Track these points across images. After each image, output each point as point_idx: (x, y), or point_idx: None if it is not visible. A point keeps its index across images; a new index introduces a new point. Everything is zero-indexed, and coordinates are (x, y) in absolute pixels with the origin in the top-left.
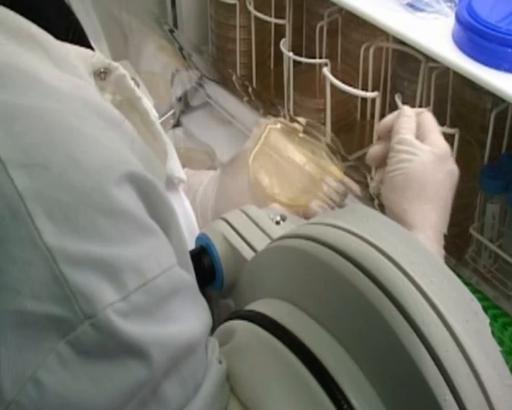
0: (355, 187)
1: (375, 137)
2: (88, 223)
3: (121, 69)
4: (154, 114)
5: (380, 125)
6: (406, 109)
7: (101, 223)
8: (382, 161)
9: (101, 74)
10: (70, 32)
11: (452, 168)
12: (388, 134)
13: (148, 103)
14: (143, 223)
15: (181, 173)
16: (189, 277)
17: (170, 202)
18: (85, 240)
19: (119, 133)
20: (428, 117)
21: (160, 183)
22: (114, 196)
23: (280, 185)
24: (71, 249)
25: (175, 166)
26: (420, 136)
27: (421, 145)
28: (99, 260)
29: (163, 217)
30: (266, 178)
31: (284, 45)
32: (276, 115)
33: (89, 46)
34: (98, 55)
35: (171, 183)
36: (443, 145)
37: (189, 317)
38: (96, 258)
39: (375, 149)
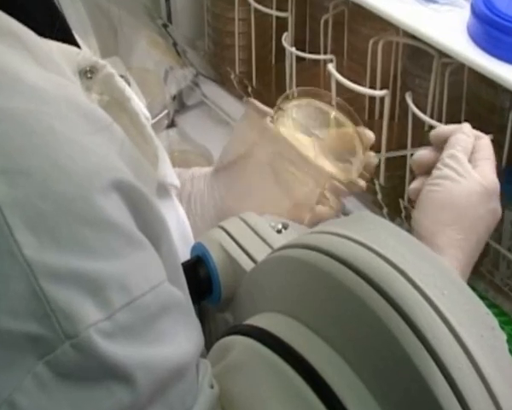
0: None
1: (383, 140)
2: (71, 235)
3: (109, 68)
4: (145, 114)
5: (436, 132)
6: (466, 127)
7: (85, 235)
8: (426, 169)
9: (88, 73)
10: (54, 27)
11: (496, 208)
12: (441, 144)
13: (138, 104)
14: (131, 235)
15: (174, 179)
16: (180, 294)
17: (160, 213)
18: (68, 253)
19: (107, 137)
20: (487, 144)
21: (150, 190)
22: (100, 206)
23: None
24: (52, 263)
25: (167, 171)
26: (472, 161)
27: (472, 171)
28: (82, 275)
29: (152, 228)
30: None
31: (286, 40)
32: None
33: (74, 43)
34: (84, 53)
35: (164, 189)
36: (493, 180)
37: (180, 338)
38: (79, 273)
39: (421, 154)
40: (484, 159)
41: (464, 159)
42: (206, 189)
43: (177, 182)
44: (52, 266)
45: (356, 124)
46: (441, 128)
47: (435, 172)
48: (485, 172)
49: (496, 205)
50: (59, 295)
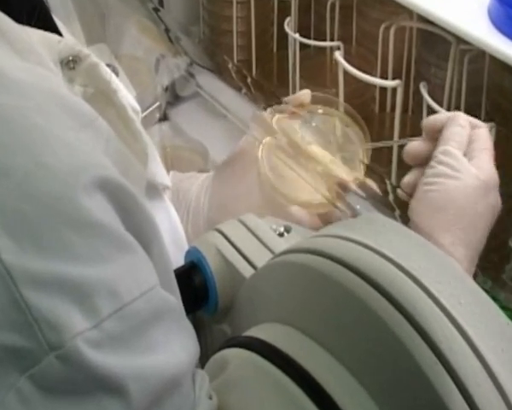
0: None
1: (395, 134)
2: (55, 238)
3: (93, 57)
4: (134, 107)
5: (428, 121)
6: (461, 117)
7: (70, 238)
8: (420, 161)
9: (70, 63)
10: (33, 14)
11: (495, 202)
12: (435, 134)
13: (126, 97)
14: (119, 237)
15: (164, 179)
16: (172, 299)
17: (150, 214)
18: (51, 258)
19: (91, 132)
20: (484, 133)
21: (139, 190)
22: (85, 206)
23: (297, 185)
24: (34, 269)
25: (157, 170)
26: (469, 153)
27: (468, 166)
28: (67, 281)
29: (142, 230)
30: (280, 177)
31: (289, 25)
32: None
33: (55, 30)
34: (66, 42)
35: (154, 189)
36: (490, 171)
37: (173, 346)
38: (63, 279)
39: (415, 145)
40: (480, 149)
41: (459, 154)
42: (199, 198)
43: (168, 182)
44: (34, 272)
45: (363, 132)
46: (434, 117)
47: (429, 171)
48: (481, 165)
49: (495, 198)
50: (42, 302)
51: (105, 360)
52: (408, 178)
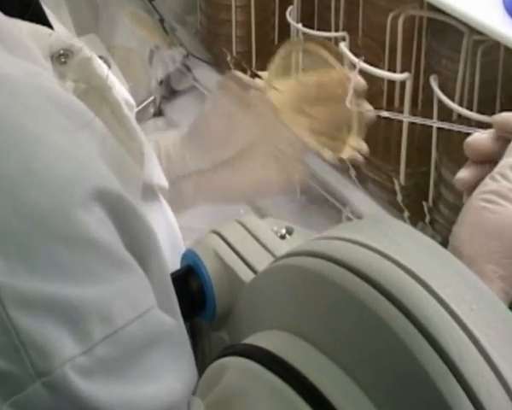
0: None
1: (404, 130)
2: (45, 255)
3: (86, 51)
4: (129, 101)
5: (503, 117)
6: None
7: (61, 255)
8: (484, 158)
9: (61, 57)
10: (25, 7)
11: None
12: (508, 134)
13: (120, 92)
14: (115, 255)
15: (161, 180)
16: (170, 321)
17: (149, 225)
18: (41, 277)
19: (87, 134)
20: None
21: (135, 193)
22: (80, 221)
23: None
24: (22, 289)
25: (154, 170)
26: None
27: None
28: (57, 302)
29: (140, 244)
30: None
31: (291, 14)
32: None
33: (46, 23)
34: (57, 35)
35: (151, 190)
36: None
37: (168, 374)
38: (53, 300)
39: (482, 139)
40: None
41: None
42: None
43: (164, 183)
44: (23, 292)
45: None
46: (482, 138)
47: (490, 183)
48: None
49: None
50: (30, 325)
51: (94, 390)
52: (463, 175)
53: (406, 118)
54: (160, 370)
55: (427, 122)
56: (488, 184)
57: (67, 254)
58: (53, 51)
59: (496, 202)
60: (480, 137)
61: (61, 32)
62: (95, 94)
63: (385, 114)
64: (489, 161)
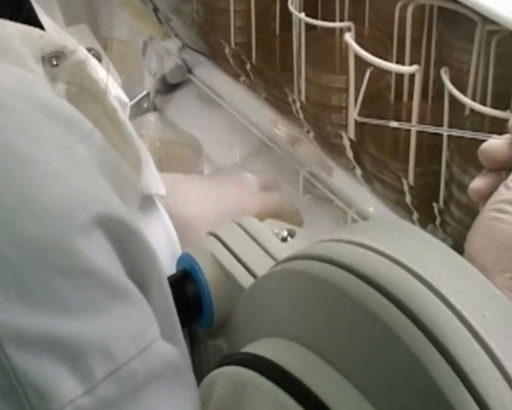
0: None
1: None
2: (43, 288)
3: (80, 53)
4: (122, 99)
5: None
6: None
7: (60, 287)
8: (500, 166)
9: (53, 59)
10: (15, 8)
11: None
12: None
13: (115, 91)
14: (116, 285)
15: (159, 188)
16: (173, 352)
17: (150, 247)
18: (40, 312)
19: (85, 146)
20: None
21: (133, 203)
22: (79, 250)
23: None
24: (20, 325)
25: (151, 179)
26: None
27: None
28: (56, 338)
29: (142, 269)
30: None
31: (293, 3)
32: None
33: (36, 23)
34: (49, 37)
35: (149, 199)
36: None
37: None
38: (53, 336)
39: (497, 145)
40: None
41: None
42: None
43: (162, 190)
44: (20, 329)
45: None
46: (498, 144)
47: (504, 192)
48: None
49: None
50: (28, 364)
51: None
52: (478, 184)
53: (414, 127)
54: (163, 405)
55: (439, 130)
56: (502, 192)
57: (66, 287)
58: (44, 54)
59: (509, 212)
60: (494, 144)
61: (53, 31)
62: (87, 96)
63: (394, 124)
64: (505, 169)
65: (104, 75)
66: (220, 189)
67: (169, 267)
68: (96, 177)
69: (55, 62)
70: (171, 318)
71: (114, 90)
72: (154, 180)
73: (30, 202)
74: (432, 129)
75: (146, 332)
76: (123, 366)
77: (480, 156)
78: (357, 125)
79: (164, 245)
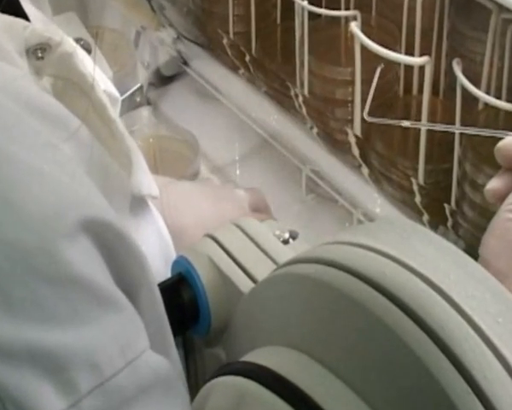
0: None
1: (423, 121)
2: (26, 296)
3: (67, 45)
4: (113, 94)
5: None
6: None
7: (43, 295)
8: None
9: (38, 52)
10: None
11: None
12: None
13: (104, 86)
14: (103, 292)
15: (151, 189)
16: (163, 364)
17: (141, 252)
18: (21, 321)
19: (72, 144)
20: None
21: (123, 205)
22: (64, 256)
23: None
24: (1, 335)
25: (143, 179)
26: None
27: None
28: (40, 350)
29: (131, 276)
30: None
31: None
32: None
33: (21, 14)
34: (33, 28)
35: (140, 200)
36: None
37: None
38: (35, 347)
39: (499, 183)
40: None
41: None
42: None
43: (155, 191)
44: (1, 339)
45: None
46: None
47: None
48: None
49: None
50: (8, 377)
51: None
52: (494, 185)
53: (426, 126)
54: None
55: (452, 129)
56: None
57: (50, 295)
58: (29, 46)
59: None
60: (511, 142)
61: (38, 22)
62: (75, 92)
63: (406, 124)
64: None
65: (93, 69)
66: (215, 199)
67: (162, 273)
68: (83, 178)
69: (40, 55)
70: (162, 327)
71: (104, 84)
72: (146, 180)
73: (11, 205)
74: (444, 127)
75: (134, 343)
76: (110, 378)
77: (496, 155)
78: (364, 120)
79: (156, 249)
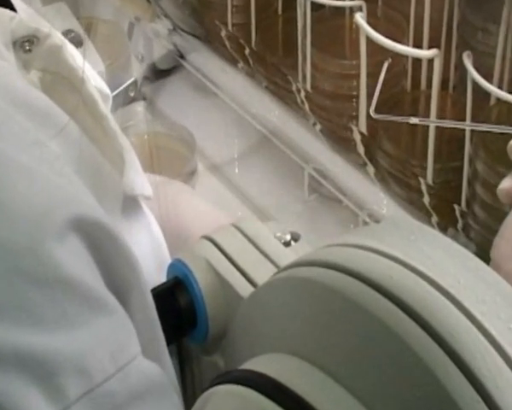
0: None
1: (432, 117)
2: (13, 298)
3: (56, 37)
4: (104, 90)
5: None
6: None
7: (32, 298)
8: None
9: (25, 44)
10: None
11: None
12: None
13: (95, 81)
14: (93, 294)
15: (144, 189)
16: (155, 371)
17: (132, 253)
18: (8, 324)
19: (62, 140)
20: None
21: (114, 206)
22: (53, 257)
23: None
24: None
25: (136, 178)
26: None
27: None
28: (27, 354)
29: (122, 277)
30: None
31: None
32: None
33: (7, 5)
34: (20, 19)
35: (133, 200)
36: None
37: None
38: (22, 352)
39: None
40: None
41: None
42: None
43: (148, 191)
44: None
45: None
46: None
47: None
48: None
49: None
50: None
51: None
52: (508, 184)
53: (435, 123)
54: None
55: (460, 125)
56: None
57: (38, 297)
58: (16, 38)
59: None
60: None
61: (26, 13)
62: (65, 87)
63: (414, 121)
64: None
65: (84, 63)
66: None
67: (155, 276)
68: (72, 176)
69: (27, 47)
70: (155, 332)
71: (94, 80)
72: (139, 180)
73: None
74: (454, 124)
75: (125, 348)
76: (100, 385)
77: (509, 152)
78: (369, 117)
79: (149, 252)
